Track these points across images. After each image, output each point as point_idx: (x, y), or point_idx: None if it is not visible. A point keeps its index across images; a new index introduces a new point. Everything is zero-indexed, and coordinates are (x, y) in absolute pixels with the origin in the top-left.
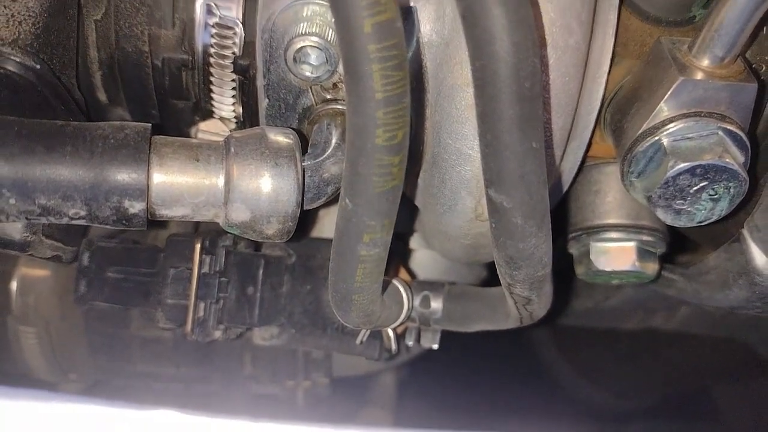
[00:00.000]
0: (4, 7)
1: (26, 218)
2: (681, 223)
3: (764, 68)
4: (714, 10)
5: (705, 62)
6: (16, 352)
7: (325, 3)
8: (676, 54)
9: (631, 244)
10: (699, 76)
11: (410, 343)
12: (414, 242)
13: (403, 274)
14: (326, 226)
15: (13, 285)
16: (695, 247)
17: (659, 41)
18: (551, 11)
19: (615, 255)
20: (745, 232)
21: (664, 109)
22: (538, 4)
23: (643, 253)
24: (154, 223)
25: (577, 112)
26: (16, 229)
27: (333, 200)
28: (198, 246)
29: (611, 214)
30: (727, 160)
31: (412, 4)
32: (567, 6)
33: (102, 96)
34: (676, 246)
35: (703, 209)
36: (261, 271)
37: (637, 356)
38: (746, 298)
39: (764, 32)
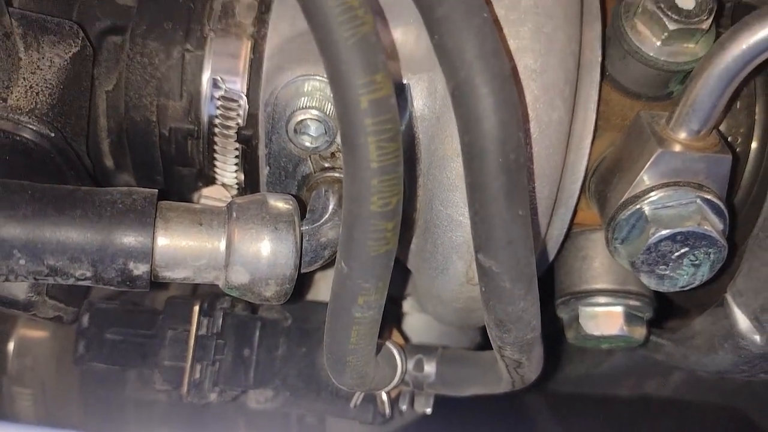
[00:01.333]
0: (24, 79)
1: (34, 278)
2: (664, 287)
3: (739, 140)
4: (688, 87)
5: (682, 135)
6: (10, 413)
7: (324, 80)
8: (654, 127)
9: (619, 308)
10: (677, 148)
11: (404, 407)
12: (407, 306)
13: (396, 337)
14: (322, 289)
15: (10, 346)
16: (684, 312)
17: (639, 115)
18: (535, 89)
19: (603, 319)
20: (729, 296)
21: (645, 179)
22: (522, 83)
23: (630, 317)
24: (154, 284)
25: (562, 181)
26: (21, 289)
27: (329, 264)
28: (196, 308)
29: (599, 279)
30: (706, 227)
31: (405, 81)
32: (550, 84)
33: (109, 162)
34: (665, 311)
35: (685, 274)
36: (257, 334)
37: (632, 423)
38: (733, 362)
39: (737, 106)
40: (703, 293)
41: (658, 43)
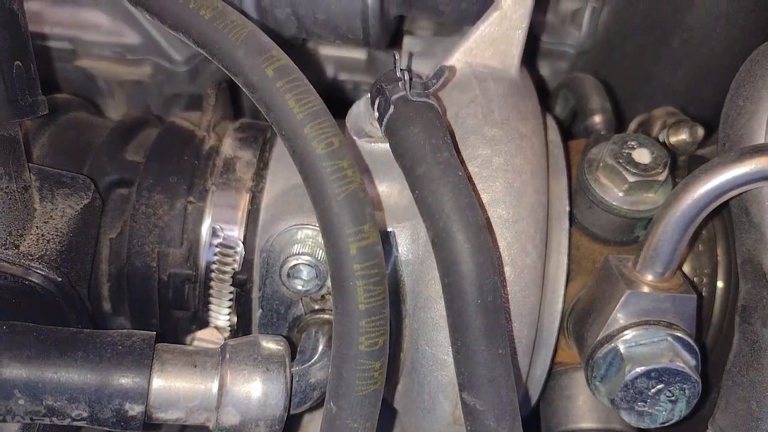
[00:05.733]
0: (37, 228)
1: (31, 419)
2: (645, 424)
3: (705, 280)
4: (650, 233)
5: (649, 277)
6: None
7: (316, 228)
8: (622, 270)
9: None
10: (644, 289)
11: None
12: None
13: None
14: None
15: None
16: None
17: (607, 259)
18: (508, 237)
19: None
20: None
21: (617, 319)
22: (496, 232)
23: None
24: (145, 425)
25: (540, 322)
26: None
27: (318, 406)
28: None
29: (584, 418)
30: (679, 363)
31: (390, 229)
32: (521, 231)
33: (107, 306)
34: None
35: (664, 410)
36: None
37: None
38: None
39: (700, 249)
40: (688, 428)
41: (620, 194)
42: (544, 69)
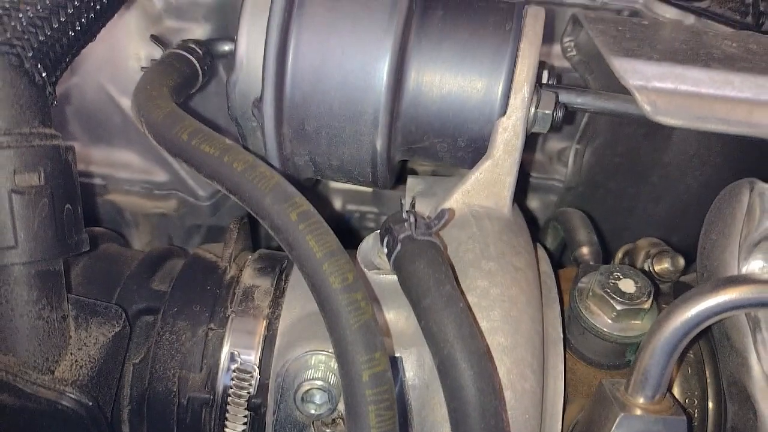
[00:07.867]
0: (71, 354)
1: None
2: None
3: (696, 402)
4: (638, 358)
5: (640, 400)
6: None
7: (329, 354)
8: (616, 394)
9: None
10: (637, 412)
11: None
12: None
13: None
14: None
15: None
16: None
17: (601, 383)
18: (507, 362)
19: None
20: None
21: None
22: (496, 358)
23: None
24: None
25: None
26: None
27: None
28: None
29: None
30: None
31: (397, 354)
32: (520, 358)
33: (125, 429)
34: None
35: None
36: None
37: None
38: None
39: (689, 372)
40: None
41: (610, 321)
42: (535, 201)
